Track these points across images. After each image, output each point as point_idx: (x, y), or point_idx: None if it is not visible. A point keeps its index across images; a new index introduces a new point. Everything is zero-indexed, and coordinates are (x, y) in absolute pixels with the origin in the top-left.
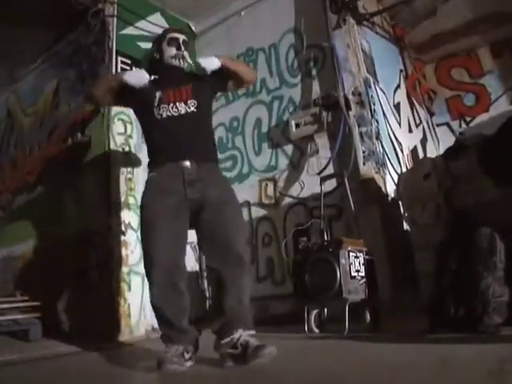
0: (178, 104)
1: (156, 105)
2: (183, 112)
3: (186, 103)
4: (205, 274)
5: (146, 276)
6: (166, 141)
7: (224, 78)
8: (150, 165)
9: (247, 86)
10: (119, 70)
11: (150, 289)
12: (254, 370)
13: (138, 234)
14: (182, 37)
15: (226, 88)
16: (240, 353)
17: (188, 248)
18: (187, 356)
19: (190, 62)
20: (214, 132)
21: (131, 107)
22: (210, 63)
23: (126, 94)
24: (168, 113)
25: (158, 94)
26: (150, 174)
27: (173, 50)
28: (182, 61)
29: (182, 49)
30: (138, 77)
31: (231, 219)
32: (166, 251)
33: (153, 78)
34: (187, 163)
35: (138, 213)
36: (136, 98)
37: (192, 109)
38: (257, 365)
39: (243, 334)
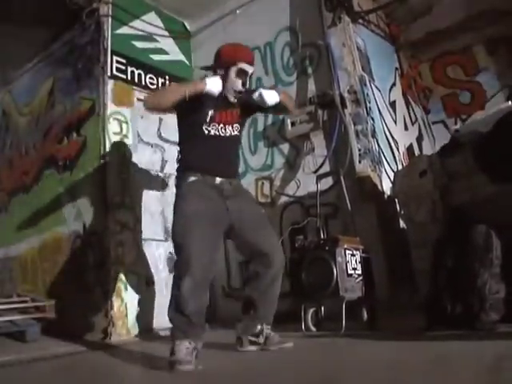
0: (226, 126)
1: (207, 121)
2: (228, 134)
3: (232, 126)
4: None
5: (181, 267)
6: (208, 156)
7: (267, 109)
8: (185, 170)
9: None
10: (114, 69)
11: (183, 280)
12: (253, 370)
13: (135, 233)
14: (251, 70)
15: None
16: (261, 342)
17: None
18: (195, 353)
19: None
20: None
21: (184, 113)
22: (272, 98)
23: (194, 101)
24: (216, 132)
25: (210, 112)
26: (190, 178)
27: (238, 85)
28: (235, 97)
29: (247, 85)
30: (218, 85)
31: (268, 228)
32: (206, 248)
33: None
34: (223, 180)
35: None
36: (195, 107)
37: (235, 132)
38: (256, 364)
39: (266, 328)
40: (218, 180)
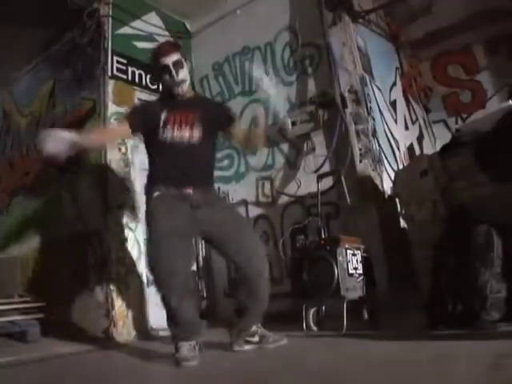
0: (183, 130)
1: (161, 125)
2: (187, 141)
3: (190, 130)
4: (201, 275)
5: (161, 285)
6: (171, 167)
7: (231, 127)
8: (150, 184)
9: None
10: (115, 70)
11: (165, 295)
12: (252, 369)
13: (136, 234)
14: (171, 59)
15: (226, 135)
16: (257, 341)
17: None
18: (197, 348)
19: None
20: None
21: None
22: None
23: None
24: (173, 138)
25: (163, 115)
26: (155, 193)
27: (167, 78)
28: (180, 88)
29: (175, 76)
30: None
31: (243, 231)
32: (180, 262)
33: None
34: (189, 190)
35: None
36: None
37: (196, 138)
38: (256, 364)
39: (260, 327)
40: (185, 191)
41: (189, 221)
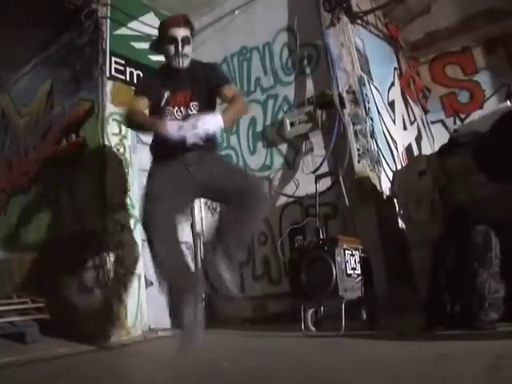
0: (182, 108)
1: (162, 105)
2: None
3: (187, 106)
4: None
5: (151, 237)
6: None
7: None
8: (153, 155)
9: None
10: (113, 70)
11: (154, 245)
12: (253, 370)
13: (134, 234)
14: (180, 33)
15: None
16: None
17: (184, 248)
18: (199, 311)
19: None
20: None
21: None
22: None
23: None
24: (173, 116)
25: (166, 95)
26: (156, 160)
27: (171, 50)
28: (181, 60)
29: (180, 49)
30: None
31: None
32: (172, 216)
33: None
34: (188, 153)
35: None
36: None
37: (194, 111)
38: (256, 364)
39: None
40: (182, 155)
41: (185, 177)
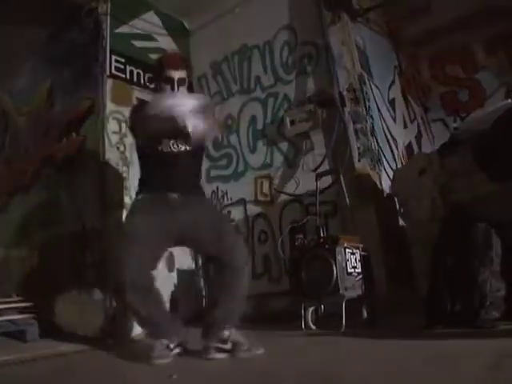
0: (178, 142)
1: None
2: (177, 150)
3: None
4: (201, 272)
5: (124, 281)
6: (158, 173)
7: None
8: (139, 189)
9: None
10: (113, 68)
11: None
12: (251, 368)
13: None
14: (177, 75)
15: None
16: (229, 348)
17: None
18: (172, 347)
19: None
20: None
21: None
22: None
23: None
24: (167, 148)
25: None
26: (139, 196)
27: (166, 89)
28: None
29: (176, 90)
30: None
31: (224, 230)
32: (148, 261)
33: None
34: (174, 194)
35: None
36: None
37: (187, 147)
38: (256, 363)
39: (234, 332)
40: (168, 195)
41: (168, 222)
